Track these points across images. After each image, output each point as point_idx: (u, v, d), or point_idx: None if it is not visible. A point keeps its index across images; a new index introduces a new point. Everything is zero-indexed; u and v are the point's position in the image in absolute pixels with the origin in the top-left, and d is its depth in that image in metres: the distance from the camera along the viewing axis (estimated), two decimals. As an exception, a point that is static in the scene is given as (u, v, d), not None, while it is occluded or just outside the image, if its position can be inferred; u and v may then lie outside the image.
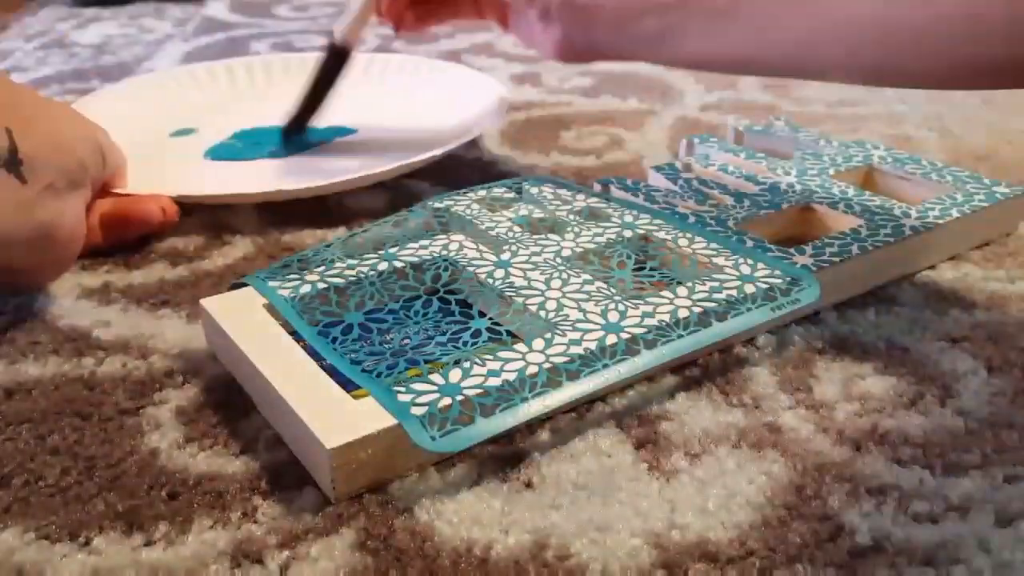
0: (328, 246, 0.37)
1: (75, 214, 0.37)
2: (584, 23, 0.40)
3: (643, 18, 0.37)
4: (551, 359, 0.29)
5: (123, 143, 0.52)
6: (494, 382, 0.27)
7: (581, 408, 0.30)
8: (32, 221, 0.34)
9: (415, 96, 0.61)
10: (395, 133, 0.55)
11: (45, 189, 0.35)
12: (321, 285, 0.33)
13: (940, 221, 0.38)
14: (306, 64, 0.66)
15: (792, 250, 0.36)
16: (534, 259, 0.35)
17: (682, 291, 0.33)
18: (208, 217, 0.46)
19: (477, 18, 0.50)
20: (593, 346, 0.29)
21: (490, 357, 0.29)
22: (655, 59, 0.40)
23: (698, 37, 0.36)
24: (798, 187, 0.42)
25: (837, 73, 0.35)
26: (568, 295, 0.32)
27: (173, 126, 0.57)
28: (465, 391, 0.27)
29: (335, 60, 0.52)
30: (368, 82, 0.64)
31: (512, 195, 0.42)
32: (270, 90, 0.64)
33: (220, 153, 0.52)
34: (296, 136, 0.54)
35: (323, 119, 0.57)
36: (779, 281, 0.33)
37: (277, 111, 0.59)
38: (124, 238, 0.42)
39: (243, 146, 0.53)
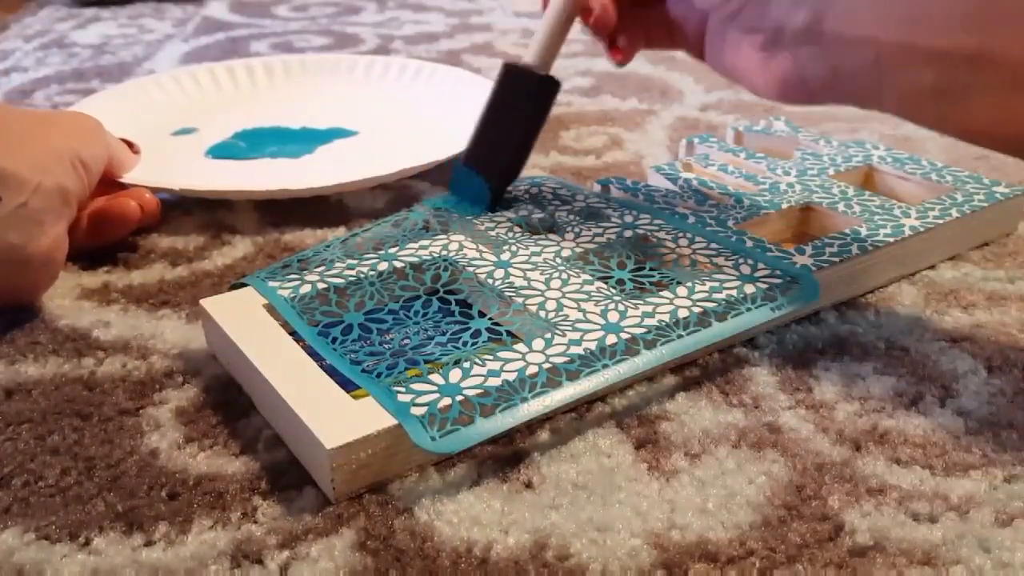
0: (328, 246, 0.37)
1: (52, 238, 0.36)
2: (829, 60, 0.30)
3: (914, 68, 0.28)
4: (551, 359, 0.29)
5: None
6: (494, 382, 0.27)
7: (581, 408, 0.30)
8: (3, 243, 0.34)
9: (416, 98, 0.61)
10: (397, 135, 0.55)
11: (19, 208, 0.34)
12: (321, 285, 0.33)
13: (940, 221, 0.38)
14: (306, 65, 0.66)
15: (792, 250, 0.36)
16: (534, 259, 0.35)
17: (682, 291, 0.33)
18: (208, 217, 0.46)
19: (666, 47, 0.39)
20: (593, 346, 0.29)
21: (490, 357, 0.29)
22: (918, 119, 0.29)
23: (990, 105, 0.27)
24: (798, 187, 0.42)
25: None
26: (568, 295, 0.32)
27: (174, 125, 0.57)
28: (465, 391, 0.27)
29: (541, 92, 0.40)
30: (369, 84, 0.64)
31: (512, 195, 0.42)
32: (271, 91, 0.64)
33: (221, 152, 0.52)
34: (502, 190, 0.41)
35: (325, 121, 0.57)
36: (779, 281, 0.33)
37: (278, 112, 0.59)
38: (107, 238, 0.42)
39: (245, 146, 0.53)
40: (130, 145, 0.48)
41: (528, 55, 0.39)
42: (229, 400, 0.31)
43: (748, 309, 0.32)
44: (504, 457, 0.28)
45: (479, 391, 0.27)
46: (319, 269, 0.35)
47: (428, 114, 0.58)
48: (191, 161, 0.51)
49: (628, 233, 0.37)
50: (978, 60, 0.26)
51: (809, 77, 0.31)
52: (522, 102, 0.40)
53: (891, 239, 0.37)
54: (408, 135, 0.54)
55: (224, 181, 0.47)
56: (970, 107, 0.27)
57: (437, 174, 0.50)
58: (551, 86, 0.40)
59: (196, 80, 0.63)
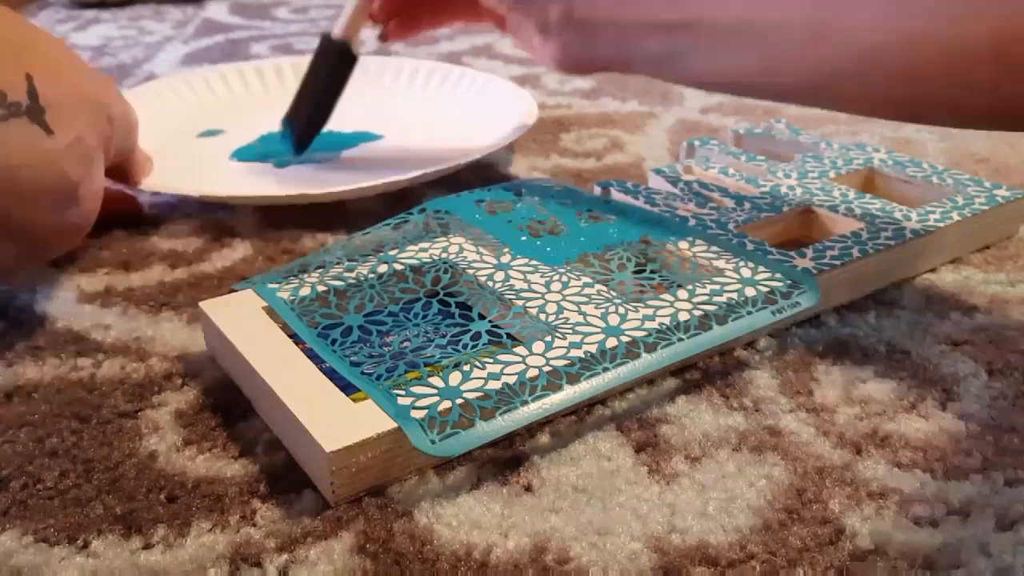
0: (328, 249, 0.37)
1: (100, 177, 0.35)
2: (584, 40, 0.37)
3: (647, 38, 0.35)
4: (551, 362, 0.28)
5: (152, 142, 0.53)
6: (494, 385, 0.27)
7: (581, 411, 0.30)
8: (63, 178, 0.32)
9: (445, 103, 0.61)
10: (420, 140, 0.55)
11: (75, 142, 0.32)
12: (320, 288, 0.33)
13: (941, 224, 0.38)
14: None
15: (793, 253, 0.36)
16: (534, 262, 0.35)
17: (682, 294, 0.32)
18: (207, 219, 0.46)
19: (474, 21, 0.49)
20: (593, 349, 0.29)
21: (490, 360, 0.29)
22: (660, 76, 0.37)
23: (704, 59, 0.34)
24: (799, 190, 0.42)
25: (852, 105, 0.32)
26: (568, 298, 0.32)
27: (201, 127, 0.57)
28: (465, 394, 0.27)
29: (341, 61, 0.48)
30: (397, 88, 0.64)
31: (512, 197, 0.42)
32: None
33: (246, 155, 0.53)
34: (306, 142, 0.50)
35: (352, 124, 0.57)
36: (780, 284, 0.33)
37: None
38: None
39: (270, 149, 0.54)
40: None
41: (335, 27, 0.48)
42: (228, 403, 0.31)
43: (749, 312, 0.32)
44: (504, 460, 0.28)
45: (479, 394, 0.27)
46: (318, 271, 0.35)
47: (456, 119, 0.58)
48: (214, 164, 0.52)
49: (628, 236, 0.37)
50: (689, 27, 0.33)
51: (575, 56, 0.38)
52: (326, 69, 0.48)
53: (892, 242, 0.37)
54: (432, 140, 0.55)
55: (240, 185, 0.47)
56: (689, 64, 0.34)
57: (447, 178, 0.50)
58: (348, 56, 0.48)
59: (225, 81, 0.63)
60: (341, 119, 0.58)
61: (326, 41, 0.48)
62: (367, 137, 0.56)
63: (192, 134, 0.57)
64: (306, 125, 0.50)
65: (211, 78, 0.63)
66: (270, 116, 0.59)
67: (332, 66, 0.48)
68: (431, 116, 0.59)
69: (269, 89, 0.64)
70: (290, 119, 0.50)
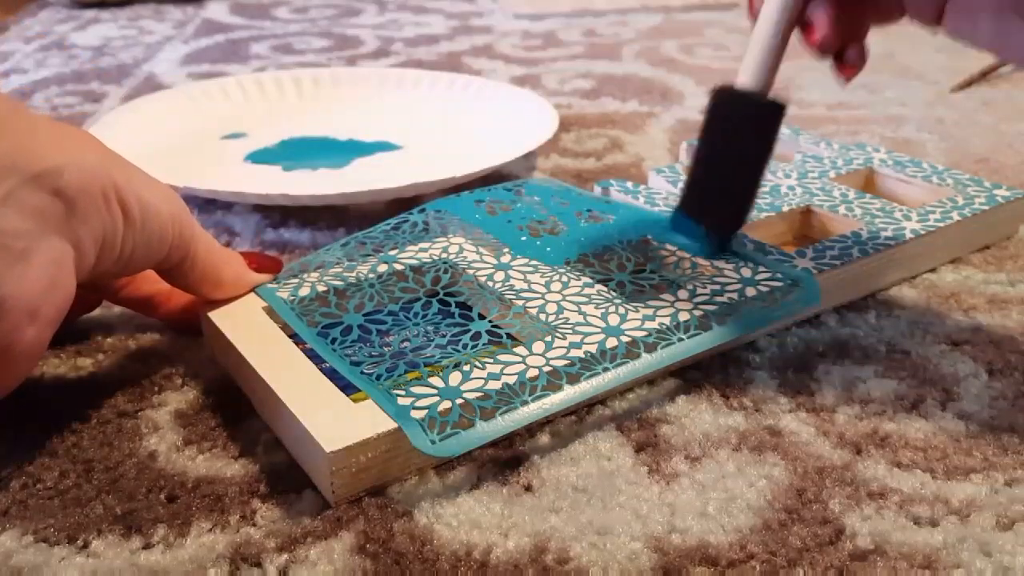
0: (328, 249, 0.37)
1: (40, 280, 0.23)
2: None
3: None
4: (551, 362, 0.28)
5: (175, 142, 0.54)
6: (494, 385, 0.27)
7: (581, 411, 0.30)
8: None
9: (470, 115, 0.60)
10: (438, 152, 0.55)
11: None
12: (320, 287, 0.33)
13: (941, 224, 0.38)
14: (360, 77, 0.66)
15: (793, 253, 0.36)
16: (534, 262, 0.35)
17: (682, 294, 0.32)
18: (207, 219, 0.46)
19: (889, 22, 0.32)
20: (593, 349, 0.29)
21: (490, 360, 0.29)
22: None
23: None
24: (799, 190, 0.42)
25: None
26: (568, 298, 0.32)
27: (227, 129, 0.58)
28: (465, 394, 0.27)
29: (764, 120, 0.33)
30: (421, 98, 0.64)
31: (512, 198, 0.42)
32: (333, 102, 0.64)
33: (260, 158, 0.53)
34: (729, 236, 0.36)
35: (374, 134, 0.57)
36: (780, 284, 0.33)
37: (331, 122, 0.59)
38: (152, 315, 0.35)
39: (285, 153, 0.54)
40: (259, 261, 0.34)
41: (743, 75, 0.32)
42: (228, 403, 0.31)
43: (749, 312, 0.32)
44: (504, 460, 0.28)
45: (479, 394, 0.27)
46: (318, 271, 0.35)
47: (478, 132, 0.57)
48: (228, 165, 0.52)
49: (628, 235, 0.37)
50: None
51: None
52: (741, 134, 0.33)
53: (892, 242, 0.37)
54: (448, 152, 0.54)
55: (246, 185, 0.47)
56: None
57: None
58: (775, 112, 0.33)
59: (261, 86, 0.64)
60: (364, 128, 0.58)
61: (729, 98, 0.33)
62: (385, 147, 0.56)
63: (216, 135, 0.57)
64: (731, 219, 0.35)
65: (247, 83, 0.64)
66: (296, 122, 0.59)
67: (755, 130, 0.33)
68: (453, 128, 0.59)
69: (304, 97, 0.64)
70: (693, 211, 0.35)
